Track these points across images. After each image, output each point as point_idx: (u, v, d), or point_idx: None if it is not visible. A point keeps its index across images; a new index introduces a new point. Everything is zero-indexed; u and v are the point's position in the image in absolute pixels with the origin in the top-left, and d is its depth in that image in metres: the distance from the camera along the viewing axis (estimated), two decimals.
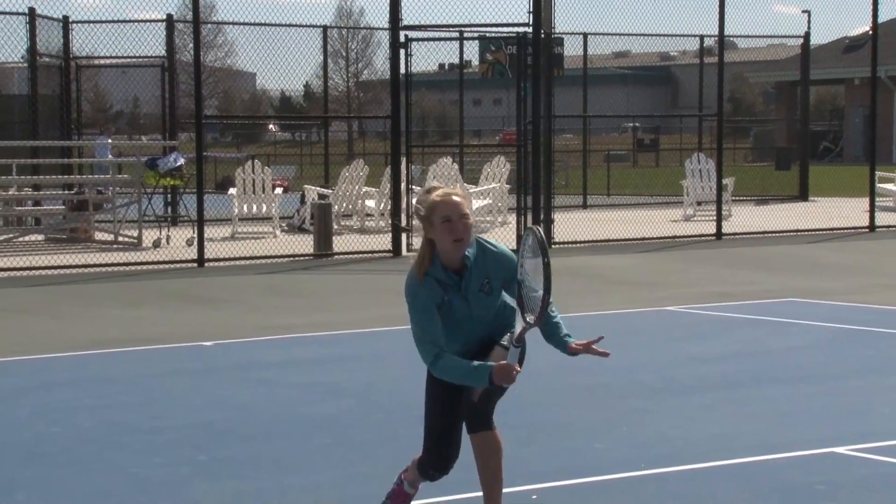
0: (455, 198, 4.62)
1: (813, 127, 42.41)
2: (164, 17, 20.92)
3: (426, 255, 4.65)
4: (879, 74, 23.40)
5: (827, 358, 8.68)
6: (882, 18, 19.79)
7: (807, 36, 25.95)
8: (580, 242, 16.79)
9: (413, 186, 17.32)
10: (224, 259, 14.82)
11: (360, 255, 15.56)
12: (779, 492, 5.32)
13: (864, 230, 18.63)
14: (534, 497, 5.38)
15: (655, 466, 5.74)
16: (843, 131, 52.17)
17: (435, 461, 4.82)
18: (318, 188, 19.96)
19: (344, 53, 53.18)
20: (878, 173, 20.23)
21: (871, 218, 18.83)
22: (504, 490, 5.43)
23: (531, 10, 15.88)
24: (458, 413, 4.80)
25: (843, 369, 8.24)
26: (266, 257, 15.06)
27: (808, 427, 6.53)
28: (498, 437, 4.83)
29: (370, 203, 19.42)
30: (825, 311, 10.74)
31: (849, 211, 20.60)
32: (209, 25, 36.56)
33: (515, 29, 16.53)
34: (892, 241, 17.29)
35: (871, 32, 19.83)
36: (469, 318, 4.70)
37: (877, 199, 19.69)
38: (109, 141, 20.06)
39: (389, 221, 16.45)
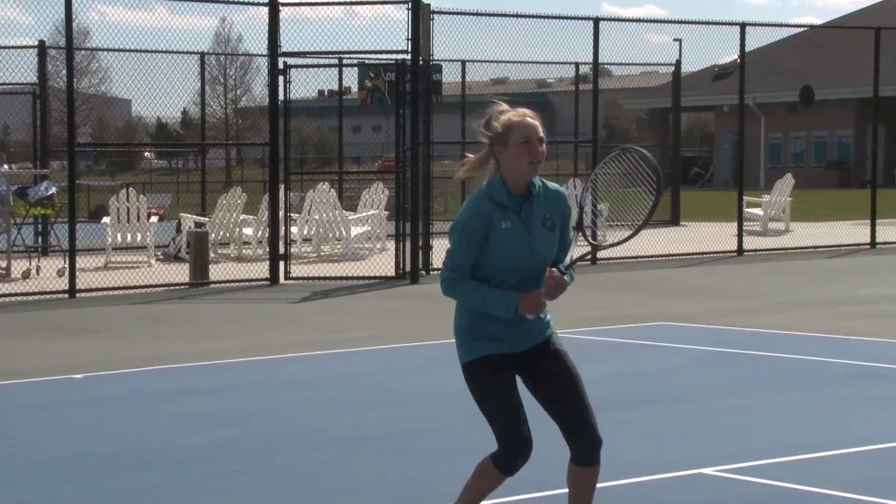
0: (533, 120, 4.47)
1: (684, 153, 43.42)
2: (37, 43, 20.54)
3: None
4: (747, 102, 24.08)
5: (696, 380, 8.89)
6: (749, 47, 20.38)
7: (678, 64, 26.57)
8: None
9: (291, 214, 17.27)
10: (97, 289, 14.57)
11: (238, 284, 15.46)
12: None
13: (732, 254, 19.11)
14: None
15: (535, 490, 5.81)
16: (713, 157, 53.51)
17: (514, 450, 4.51)
18: (195, 216, 19.77)
19: (222, 80, 52.76)
20: (745, 198, 20.78)
21: (740, 242, 19.33)
22: None
23: (409, 37, 16.00)
24: (513, 395, 4.52)
25: (711, 391, 8.45)
26: (141, 287, 14.85)
27: (677, 448, 6.68)
28: (597, 473, 4.65)
29: (248, 231, 19.30)
30: (695, 334, 11.00)
31: (718, 235, 21.11)
32: (83, 52, 35.93)
33: (394, 56, 16.63)
34: (759, 265, 17.78)
35: (739, 61, 20.41)
36: (531, 253, 4.46)
37: (745, 223, 20.22)
38: (6, 167, 19.52)
39: (267, 249, 16.35)
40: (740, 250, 19.22)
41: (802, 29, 39.38)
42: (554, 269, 4.46)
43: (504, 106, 4.54)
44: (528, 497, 5.68)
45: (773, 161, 50.09)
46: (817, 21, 62.41)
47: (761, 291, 14.57)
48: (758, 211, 23.93)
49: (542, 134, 4.47)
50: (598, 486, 5.87)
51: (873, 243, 20.24)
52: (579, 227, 4.64)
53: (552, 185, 4.59)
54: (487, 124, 4.49)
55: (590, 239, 4.67)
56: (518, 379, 4.62)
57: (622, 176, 4.69)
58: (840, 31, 40.27)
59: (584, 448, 4.55)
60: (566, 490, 4.74)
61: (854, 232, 21.76)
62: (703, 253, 19.00)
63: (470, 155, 4.64)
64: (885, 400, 8.04)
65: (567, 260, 4.52)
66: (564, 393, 4.55)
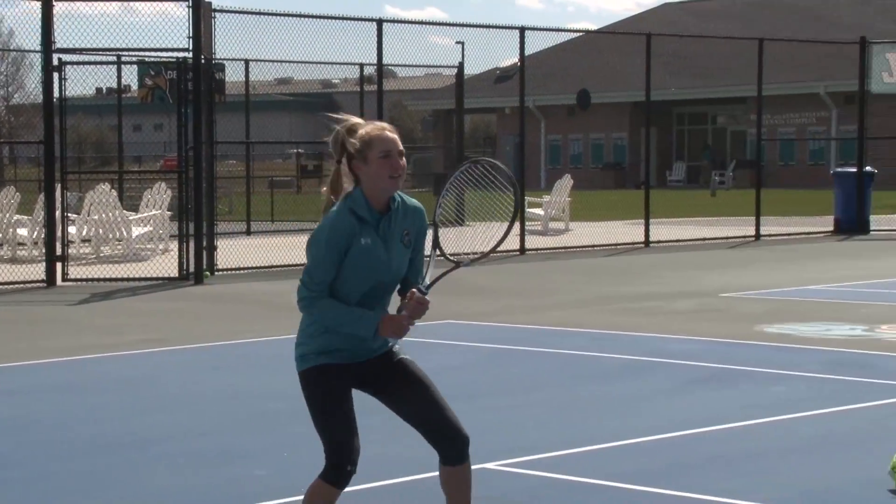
0: (391, 133, 4.37)
1: (468, 154, 43.99)
2: None
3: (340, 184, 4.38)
4: (528, 104, 24.64)
5: (481, 377, 9.07)
6: (529, 51, 20.89)
7: (461, 66, 26.99)
8: (244, 269, 16.77)
9: (69, 214, 16.77)
10: None
11: (12, 286, 14.92)
12: None
13: (515, 253, 19.56)
14: None
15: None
16: (496, 158, 54.46)
17: (340, 458, 4.38)
18: None
19: None
20: (527, 198, 21.30)
21: (522, 241, 19.81)
22: None
23: (191, 35, 15.77)
24: (345, 404, 4.42)
25: (495, 387, 8.64)
26: None
27: None
28: (469, 470, 4.57)
29: (22, 231, 18.65)
30: (480, 332, 11.21)
31: (501, 235, 21.55)
32: None
33: (175, 54, 16.36)
34: (541, 264, 18.25)
35: (519, 64, 20.89)
36: (388, 269, 4.39)
37: (526, 223, 20.72)
38: None
39: (43, 251, 15.84)
40: (522, 249, 19.68)
41: (579, 34, 40.57)
42: (415, 290, 4.37)
43: (356, 119, 4.44)
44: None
45: (553, 162, 51.51)
46: (592, 27, 64.36)
47: (543, 289, 14.96)
48: (539, 211, 24.54)
49: (401, 147, 4.39)
50: (381, 483, 5.98)
51: (647, 242, 21.04)
52: (436, 245, 4.57)
53: (411, 200, 4.53)
54: (338, 140, 4.39)
55: (449, 256, 4.57)
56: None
57: (475, 186, 4.64)
58: (614, 36, 41.71)
59: (453, 449, 4.52)
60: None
61: (629, 231, 22.57)
62: (487, 252, 19.34)
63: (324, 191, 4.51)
64: (660, 392, 8.35)
65: (427, 280, 4.44)
66: (420, 401, 4.50)
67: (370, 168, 4.34)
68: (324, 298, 4.33)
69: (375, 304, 4.43)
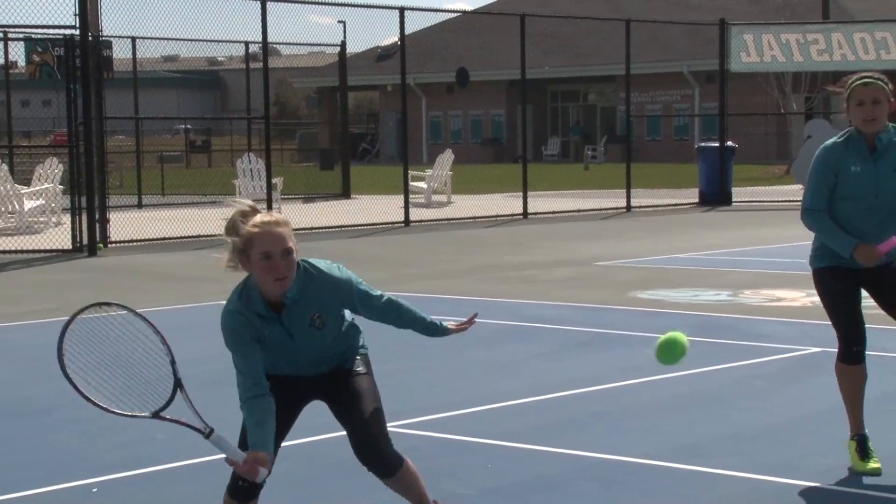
0: (277, 228, 3.86)
1: (353, 130, 44.48)
2: None
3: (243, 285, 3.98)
4: (409, 82, 25.13)
5: (366, 344, 9.45)
6: (409, 30, 21.35)
7: (343, 45, 27.38)
8: (136, 241, 17.01)
9: None
10: None
11: None
12: (332, 469, 5.73)
13: (400, 224, 20.08)
14: (94, 490, 5.50)
15: (216, 453, 6.17)
16: (379, 134, 54.98)
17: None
18: None
19: None
20: (410, 172, 21.90)
21: (406, 213, 20.38)
22: (63, 486, 5.49)
23: (77, 12, 15.92)
24: (284, 416, 4.17)
25: (380, 354, 8.47)
26: None
27: None
28: (407, 473, 4.28)
29: None
30: None
31: (386, 207, 22.02)
32: None
33: (62, 31, 16.50)
34: (425, 235, 18.76)
35: (399, 43, 21.39)
36: (303, 354, 4.09)
37: (410, 196, 21.30)
38: None
39: None
40: (407, 221, 20.24)
41: (456, 14, 41.11)
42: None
43: (246, 205, 3.96)
44: None
45: (434, 138, 52.10)
46: (469, 7, 65.14)
47: (427, 260, 15.33)
48: (422, 184, 25.13)
49: (288, 245, 3.87)
50: (286, 444, 6.23)
51: (525, 214, 21.72)
52: (180, 385, 4.03)
53: (329, 274, 4.04)
54: (232, 229, 3.95)
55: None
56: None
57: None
58: (490, 16, 42.40)
59: (373, 468, 4.25)
60: None
61: (508, 203, 23.25)
62: (372, 224, 19.85)
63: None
64: (541, 356, 8.69)
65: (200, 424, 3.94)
66: (349, 417, 4.22)
67: (252, 268, 3.93)
68: (256, 402, 3.96)
69: (305, 364, 4.17)
